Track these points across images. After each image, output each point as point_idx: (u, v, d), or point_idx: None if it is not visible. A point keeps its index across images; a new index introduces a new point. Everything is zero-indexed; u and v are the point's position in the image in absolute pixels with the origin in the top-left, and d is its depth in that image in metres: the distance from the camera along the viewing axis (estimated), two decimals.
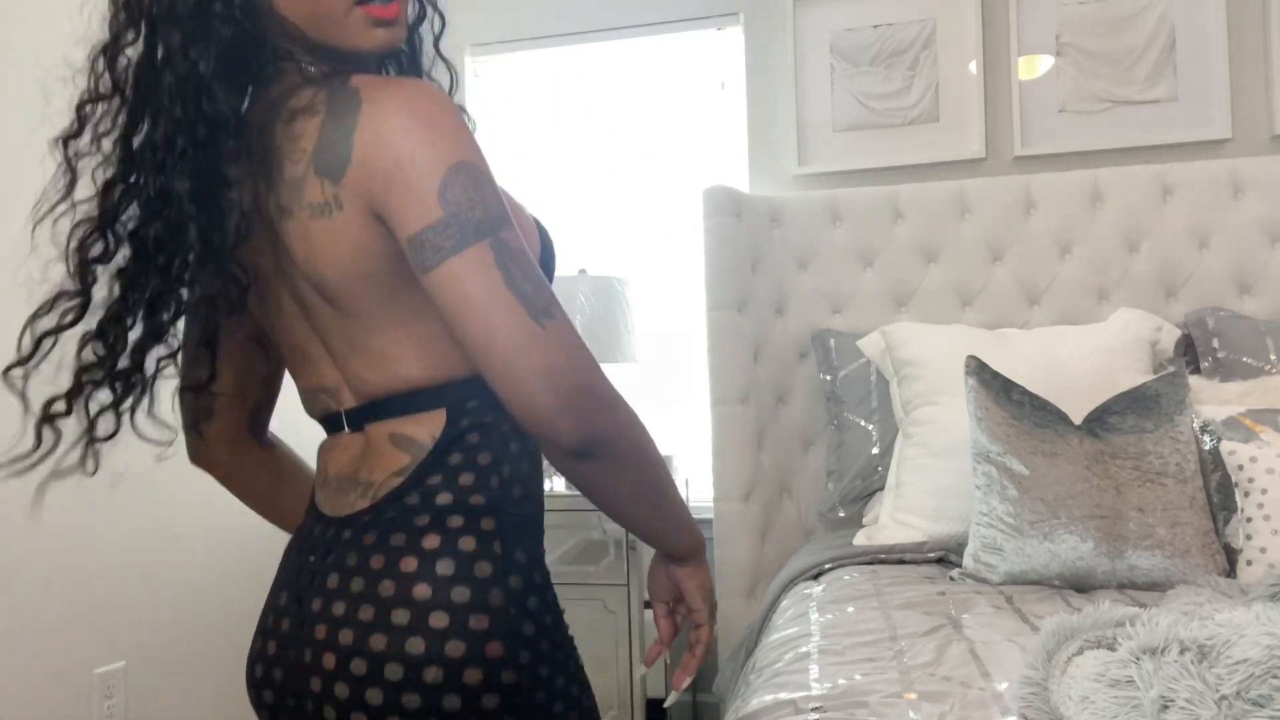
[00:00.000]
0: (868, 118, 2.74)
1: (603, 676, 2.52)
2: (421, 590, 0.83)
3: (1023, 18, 2.65)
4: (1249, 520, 1.77)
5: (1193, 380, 2.11)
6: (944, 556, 2.01)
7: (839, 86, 2.76)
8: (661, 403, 2.96)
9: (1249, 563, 1.75)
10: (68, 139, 0.89)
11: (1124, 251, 2.47)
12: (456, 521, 0.87)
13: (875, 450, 2.41)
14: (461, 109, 0.88)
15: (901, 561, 2.01)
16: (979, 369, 1.94)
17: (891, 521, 2.14)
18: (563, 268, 2.93)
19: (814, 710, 1.19)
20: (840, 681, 1.28)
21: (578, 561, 2.55)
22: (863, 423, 2.45)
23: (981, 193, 2.55)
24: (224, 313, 0.94)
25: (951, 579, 1.85)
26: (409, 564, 0.85)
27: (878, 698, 1.19)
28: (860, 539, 2.15)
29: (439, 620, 0.82)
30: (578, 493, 2.58)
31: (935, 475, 2.11)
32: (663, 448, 2.87)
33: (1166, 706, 0.90)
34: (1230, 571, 1.77)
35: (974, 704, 1.15)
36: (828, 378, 2.54)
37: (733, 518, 2.50)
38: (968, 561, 1.85)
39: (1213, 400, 2.06)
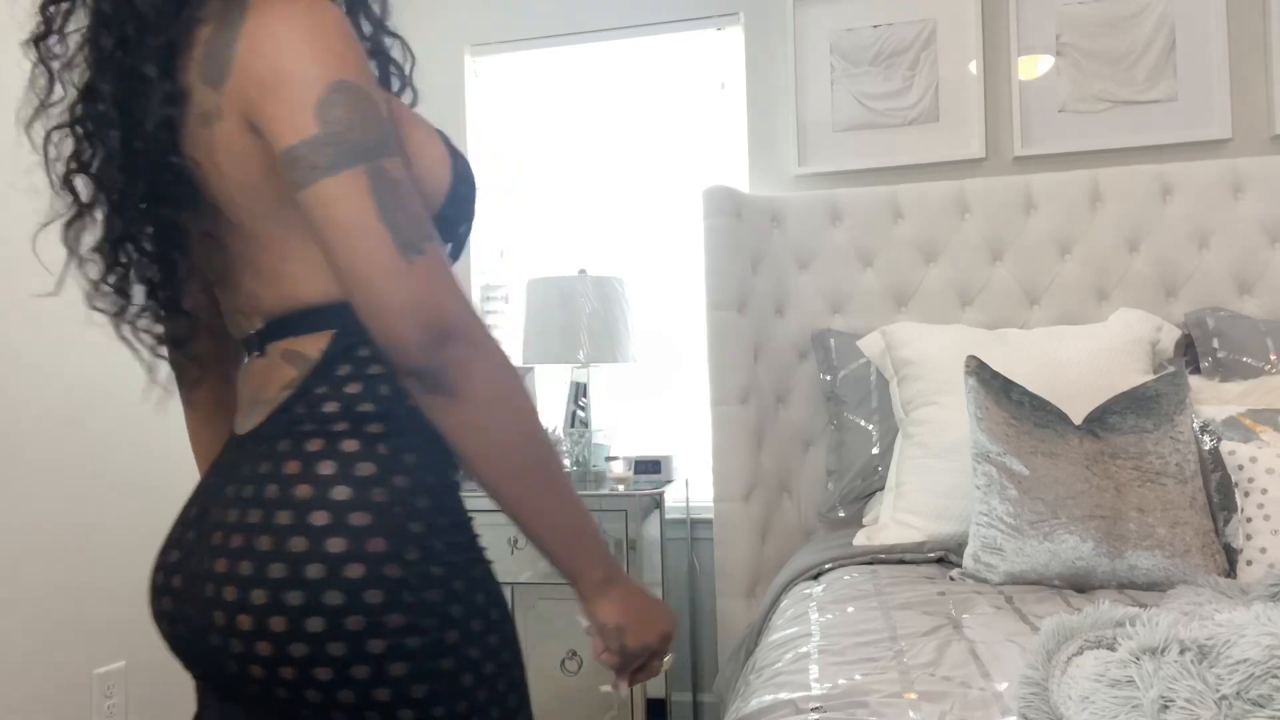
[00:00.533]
0: (868, 118, 2.74)
1: (603, 676, 2.52)
2: (303, 491, 0.84)
3: (1023, 18, 2.65)
4: (1249, 520, 1.77)
5: (1193, 380, 2.11)
6: (944, 556, 2.01)
7: (839, 86, 2.76)
8: (661, 403, 2.96)
9: (1249, 563, 1.75)
10: (38, 40, 0.91)
11: (1124, 251, 2.47)
12: (341, 426, 0.87)
13: (875, 450, 2.41)
14: (364, 38, 0.86)
15: (901, 561, 2.01)
16: (979, 369, 1.94)
17: (891, 521, 2.14)
18: (563, 268, 2.93)
19: (814, 710, 1.19)
20: (840, 681, 1.28)
21: None
22: (863, 423, 2.45)
23: (981, 193, 2.55)
24: (169, 214, 0.94)
25: (951, 579, 1.85)
26: (292, 467, 0.85)
27: (878, 698, 1.19)
28: (860, 539, 2.15)
29: (320, 518, 0.82)
30: (578, 493, 2.60)
31: (935, 475, 2.11)
32: (663, 448, 2.87)
33: (1166, 706, 0.90)
34: (1230, 571, 1.77)
35: (974, 704, 1.15)
36: (828, 378, 2.54)
37: (733, 518, 2.50)
38: (968, 561, 1.85)
39: (1213, 400, 2.06)
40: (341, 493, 0.83)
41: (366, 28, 1.01)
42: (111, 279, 0.95)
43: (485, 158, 3.11)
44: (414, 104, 1.06)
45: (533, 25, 3.02)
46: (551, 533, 0.87)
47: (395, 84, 1.04)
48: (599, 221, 3.03)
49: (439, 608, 0.84)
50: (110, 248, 0.93)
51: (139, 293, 0.97)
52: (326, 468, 0.85)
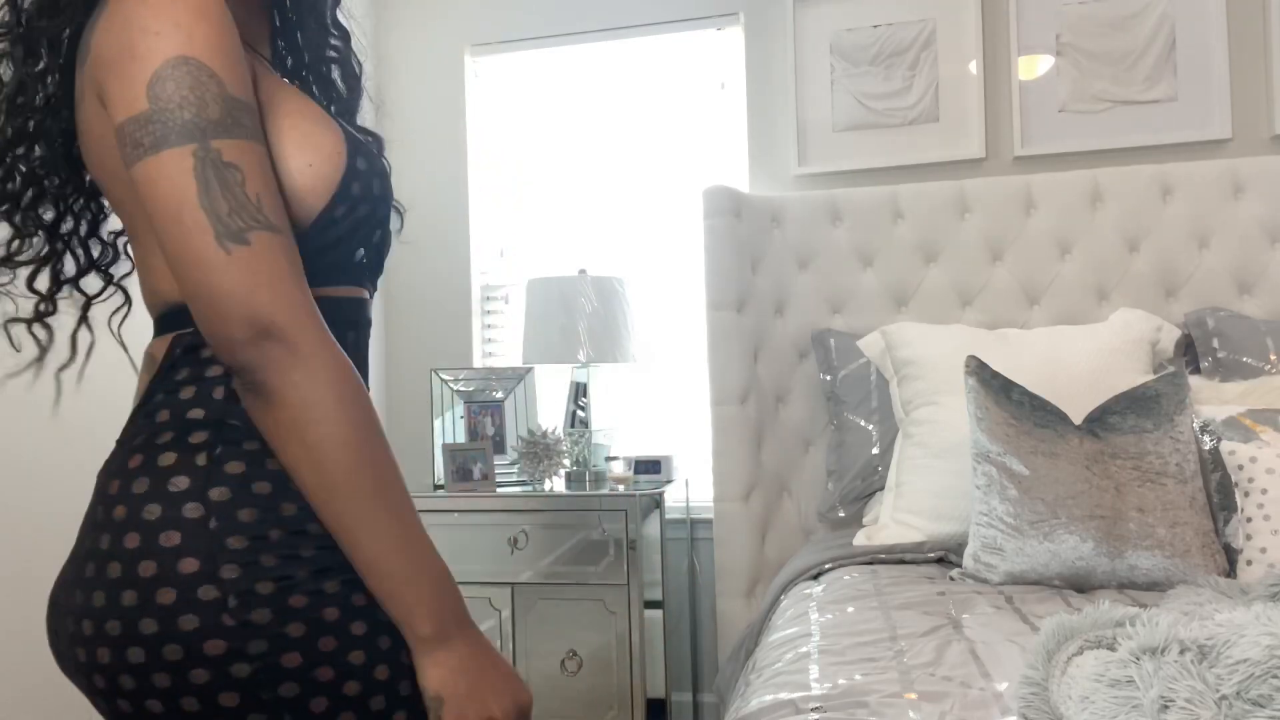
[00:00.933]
0: (868, 118, 2.74)
1: (603, 677, 2.52)
2: (119, 512, 0.79)
3: (1023, 18, 2.65)
4: (1249, 520, 1.77)
5: (1193, 380, 2.11)
6: (944, 556, 2.01)
7: (839, 86, 2.76)
8: (661, 403, 2.96)
9: (1249, 563, 1.75)
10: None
11: (1124, 251, 2.47)
12: (165, 437, 0.81)
13: (875, 450, 2.41)
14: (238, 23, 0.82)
15: (901, 561, 2.01)
16: (979, 369, 1.94)
17: (891, 521, 2.14)
18: (563, 268, 2.93)
19: (814, 710, 1.19)
20: (840, 681, 1.28)
21: (577, 562, 2.55)
22: (863, 423, 2.45)
23: (981, 193, 2.55)
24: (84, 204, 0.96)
25: (951, 579, 1.85)
26: (114, 487, 0.81)
27: (878, 698, 1.19)
28: (860, 539, 2.15)
29: (132, 541, 0.78)
30: (577, 493, 2.60)
31: (935, 475, 2.11)
32: (663, 448, 2.87)
33: (1166, 706, 0.90)
34: (1230, 571, 1.77)
35: (974, 704, 1.15)
36: (828, 378, 2.54)
37: (733, 518, 2.50)
38: (968, 561, 1.85)
39: (1213, 400, 2.06)
40: (152, 511, 0.78)
41: (313, 22, 1.00)
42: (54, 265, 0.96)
43: (485, 158, 3.11)
44: (354, 110, 1.05)
45: (533, 25, 3.02)
46: (373, 567, 0.78)
47: (341, 86, 1.04)
48: (599, 221, 3.02)
49: (271, 628, 0.76)
50: (47, 234, 0.94)
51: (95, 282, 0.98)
52: (141, 485, 0.79)
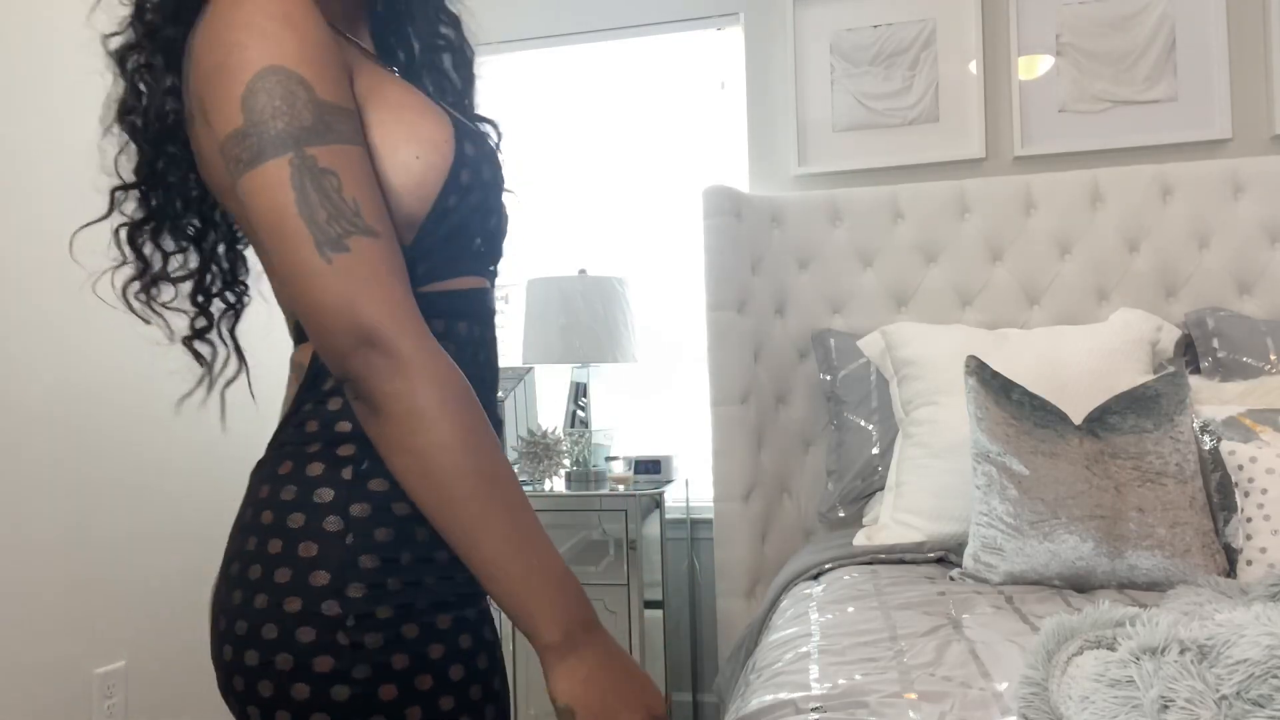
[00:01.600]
0: (868, 118, 2.74)
1: None
2: (266, 517, 0.80)
3: (1023, 18, 2.65)
4: (1249, 520, 1.77)
5: (1193, 380, 2.11)
6: (944, 556, 2.01)
7: (839, 86, 2.76)
8: (661, 403, 2.96)
9: (1249, 563, 1.75)
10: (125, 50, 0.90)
11: (1124, 251, 2.47)
12: (314, 447, 0.81)
13: (875, 450, 2.41)
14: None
15: (901, 561, 2.01)
16: (979, 369, 1.94)
17: (891, 521, 2.14)
18: (563, 268, 2.93)
19: (814, 710, 1.19)
20: (840, 681, 1.28)
21: (578, 562, 2.55)
22: (863, 423, 2.45)
23: (981, 193, 2.55)
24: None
25: (951, 579, 1.85)
26: (264, 491, 0.82)
27: (878, 698, 1.19)
28: (860, 539, 2.15)
29: (275, 546, 0.79)
30: (577, 493, 2.60)
31: (935, 475, 2.11)
32: (663, 448, 2.87)
33: (1166, 706, 0.90)
34: (1230, 571, 1.77)
35: (974, 704, 1.15)
36: (828, 378, 2.54)
37: (733, 518, 2.50)
38: (968, 561, 1.85)
39: (1213, 400, 2.06)
40: (296, 520, 0.79)
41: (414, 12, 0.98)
42: (196, 290, 0.95)
43: None
44: (469, 97, 1.06)
45: (532, 25, 3.02)
46: (491, 574, 0.75)
47: (453, 75, 1.04)
48: (599, 221, 3.02)
49: (378, 655, 0.76)
50: (180, 250, 0.94)
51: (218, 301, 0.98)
52: (289, 493, 0.80)
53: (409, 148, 0.81)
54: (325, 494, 0.79)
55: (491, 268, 0.94)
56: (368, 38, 0.98)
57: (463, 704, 0.79)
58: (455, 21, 1.05)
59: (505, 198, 0.93)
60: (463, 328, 0.87)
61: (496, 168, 0.88)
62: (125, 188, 0.89)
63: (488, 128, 1.06)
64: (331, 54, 0.78)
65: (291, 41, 0.75)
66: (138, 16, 0.87)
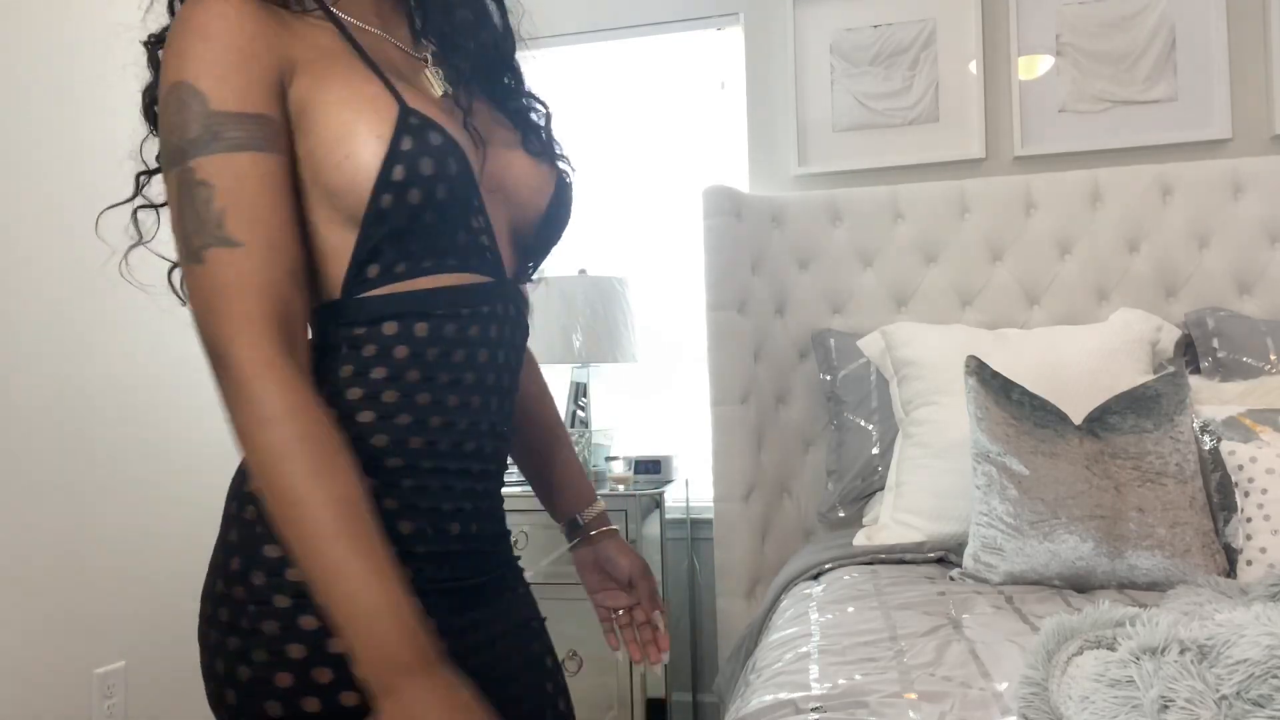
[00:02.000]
0: (868, 118, 2.74)
1: (603, 677, 2.52)
2: (231, 507, 0.88)
3: (1023, 18, 2.65)
4: (1249, 520, 1.77)
5: (1193, 380, 2.11)
6: (944, 556, 2.01)
7: (839, 86, 2.76)
8: (661, 403, 2.96)
9: (1249, 563, 1.75)
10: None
11: (1124, 251, 2.47)
12: None
13: (875, 450, 2.41)
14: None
15: (901, 561, 2.01)
16: (979, 369, 1.94)
17: (891, 521, 2.14)
18: (563, 268, 2.93)
19: (814, 710, 1.19)
20: (840, 681, 1.28)
21: None
22: (863, 423, 2.45)
23: (981, 193, 2.55)
24: None
25: (951, 579, 1.85)
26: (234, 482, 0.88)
27: (878, 698, 1.19)
28: (860, 539, 2.15)
29: (222, 528, 0.87)
30: None
31: (935, 475, 2.11)
32: (663, 448, 2.87)
33: (1166, 706, 0.90)
34: (1230, 571, 1.77)
35: (974, 704, 1.15)
36: (828, 378, 2.54)
37: (733, 518, 2.50)
38: (968, 561, 1.85)
39: (1213, 400, 2.06)
40: (231, 507, 0.86)
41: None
42: None
43: None
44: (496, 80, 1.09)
45: (532, 25, 3.00)
46: (325, 598, 0.71)
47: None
48: (599, 221, 3.03)
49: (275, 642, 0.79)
50: None
51: None
52: (237, 478, 0.87)
53: (341, 147, 0.80)
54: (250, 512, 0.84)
55: (485, 263, 0.90)
56: (401, 19, 0.97)
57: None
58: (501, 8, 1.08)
59: (527, 190, 0.99)
60: (421, 329, 0.84)
61: (445, 161, 0.82)
62: (150, 173, 0.91)
63: (536, 105, 1.12)
64: (246, 60, 0.77)
65: (198, 54, 0.76)
66: (170, 11, 0.90)
